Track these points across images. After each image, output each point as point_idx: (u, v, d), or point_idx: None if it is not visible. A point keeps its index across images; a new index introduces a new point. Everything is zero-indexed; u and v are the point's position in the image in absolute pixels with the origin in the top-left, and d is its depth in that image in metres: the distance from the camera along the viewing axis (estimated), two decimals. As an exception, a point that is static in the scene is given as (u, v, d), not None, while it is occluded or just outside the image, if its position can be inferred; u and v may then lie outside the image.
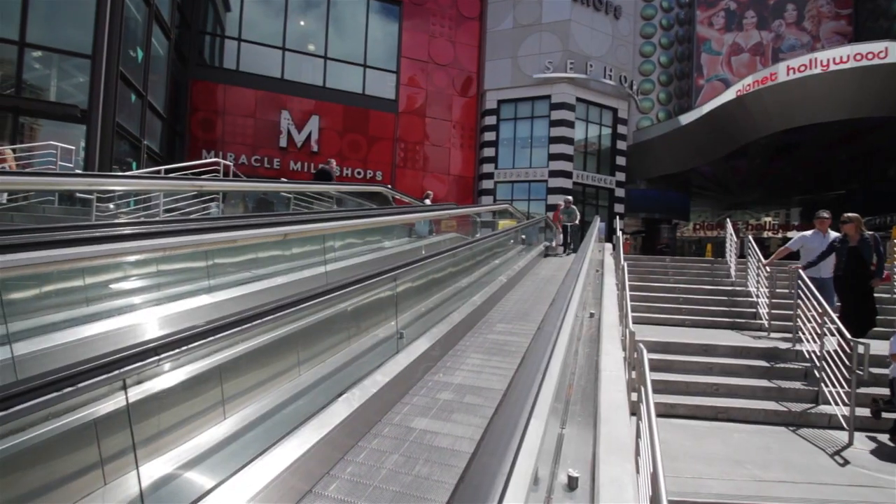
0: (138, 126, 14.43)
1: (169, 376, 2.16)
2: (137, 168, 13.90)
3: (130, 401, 1.80)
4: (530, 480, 1.06)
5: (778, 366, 5.87)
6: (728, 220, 10.75)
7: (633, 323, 6.30)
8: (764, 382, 5.62)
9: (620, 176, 23.99)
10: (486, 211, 11.38)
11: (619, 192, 23.97)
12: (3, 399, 1.24)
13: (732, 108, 19.87)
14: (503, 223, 13.28)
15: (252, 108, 19.93)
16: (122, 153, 13.42)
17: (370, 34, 21.75)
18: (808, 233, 6.95)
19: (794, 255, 7.06)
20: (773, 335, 6.94)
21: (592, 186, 23.33)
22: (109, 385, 1.52)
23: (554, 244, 13.33)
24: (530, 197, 22.47)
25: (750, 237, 8.65)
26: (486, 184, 23.14)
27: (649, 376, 2.82)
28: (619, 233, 10.01)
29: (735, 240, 9.61)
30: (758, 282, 7.87)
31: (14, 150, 8.65)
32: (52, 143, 8.34)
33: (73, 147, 9.17)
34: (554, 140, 22.20)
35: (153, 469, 2.09)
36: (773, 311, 7.13)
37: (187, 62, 19.02)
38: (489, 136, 23.14)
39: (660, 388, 5.60)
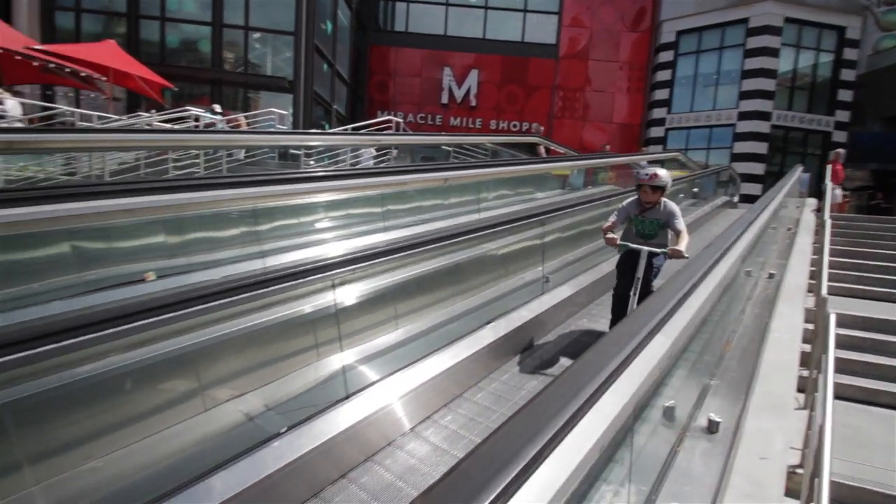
0: (329, 92, 16.74)
1: (360, 288, 2.76)
2: (329, 129, 16.30)
3: (336, 304, 2.42)
4: (630, 396, 1.07)
5: None
6: None
7: (834, 294, 5.30)
8: None
9: (842, 115, 18.99)
10: (651, 159, 10.08)
11: (839, 137, 19.08)
12: (260, 282, 1.83)
13: None
14: (673, 174, 11.93)
15: (418, 68, 21.18)
16: (317, 117, 15.84)
17: (532, -25, 20.76)
18: None
19: None
20: None
21: (798, 130, 19.04)
22: (323, 283, 2.08)
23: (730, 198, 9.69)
24: (710, 145, 19.50)
25: None
26: (656, 131, 20.76)
27: (833, 343, 2.50)
28: (828, 184, 8.19)
29: None
30: None
31: (246, 118, 11.01)
32: (272, 109, 10.38)
33: (286, 112, 11.23)
34: (749, 74, 18.54)
35: (345, 357, 2.74)
36: None
37: (366, 30, 20.96)
38: (663, 75, 20.45)
39: (859, 370, 4.71)
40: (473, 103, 21.15)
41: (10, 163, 5.00)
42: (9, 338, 1.35)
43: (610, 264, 5.16)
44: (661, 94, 20.60)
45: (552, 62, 21.03)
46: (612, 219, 3.64)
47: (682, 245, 3.31)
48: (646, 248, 3.40)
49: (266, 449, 1.89)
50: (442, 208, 6.37)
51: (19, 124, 6.89)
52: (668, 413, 2.05)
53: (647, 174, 3.49)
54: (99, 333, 1.39)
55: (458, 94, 21.13)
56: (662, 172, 3.48)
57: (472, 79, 21.03)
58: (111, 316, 1.42)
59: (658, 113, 20.73)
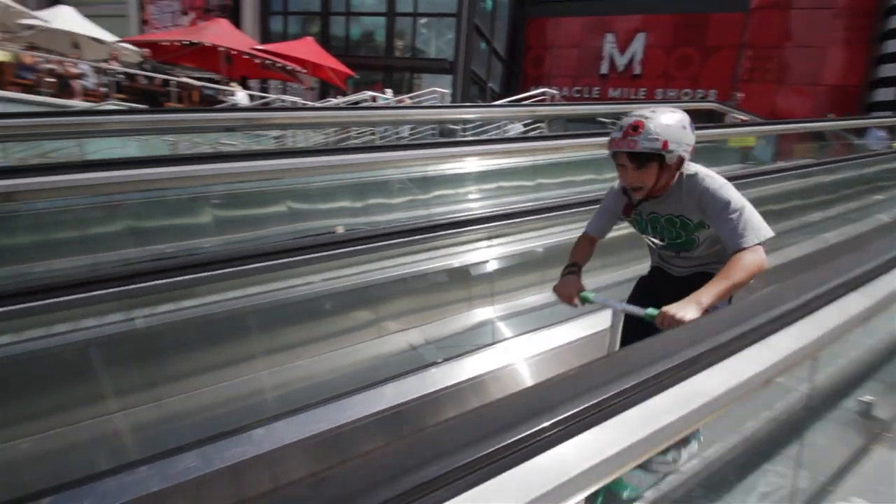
0: (485, 70, 17.13)
1: (510, 249, 2.93)
2: (482, 107, 16.77)
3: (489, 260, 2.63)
4: (807, 342, 0.96)
5: None
6: None
7: None
8: None
9: None
10: (871, 126, 7.71)
11: None
12: (430, 227, 2.10)
13: None
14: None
15: (577, 38, 20.16)
16: (473, 96, 16.39)
17: (722, -85, 17.81)
18: None
19: None
20: None
21: None
22: (478, 234, 2.28)
23: None
24: (976, 108, 14.60)
25: None
26: (883, 94, 16.27)
27: None
28: None
29: None
30: None
31: (410, 98, 11.99)
32: (435, 88, 11.15)
33: (447, 91, 11.93)
34: None
35: (494, 310, 2.94)
36: None
37: (524, 2, 20.67)
38: (904, 20, 15.83)
39: None
40: (637, 71, 19.37)
41: (247, 138, 6.48)
42: (254, 251, 1.86)
43: (786, 241, 4.40)
44: (895, 46, 16.02)
45: (739, 16, 17.93)
46: (589, 229, 1.76)
47: (712, 291, 1.29)
48: (621, 306, 1.53)
49: (426, 373, 2.20)
50: (595, 182, 6.15)
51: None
52: (864, 407, 1.77)
53: (620, 128, 1.40)
54: (313, 255, 1.81)
55: (620, 62, 19.54)
56: (655, 123, 1.36)
57: (638, 44, 19.21)
58: (321, 243, 1.82)
59: (889, 70, 16.17)
